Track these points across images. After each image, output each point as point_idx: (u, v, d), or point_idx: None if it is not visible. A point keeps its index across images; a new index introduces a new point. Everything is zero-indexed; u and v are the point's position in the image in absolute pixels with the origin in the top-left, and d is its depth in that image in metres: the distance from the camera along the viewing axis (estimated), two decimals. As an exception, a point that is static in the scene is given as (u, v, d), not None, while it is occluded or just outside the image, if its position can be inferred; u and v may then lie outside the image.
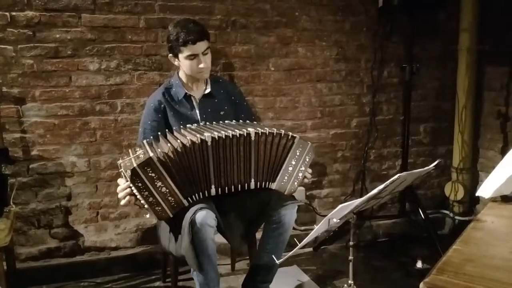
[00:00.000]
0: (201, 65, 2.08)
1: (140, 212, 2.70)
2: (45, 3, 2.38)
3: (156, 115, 2.14)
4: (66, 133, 2.53)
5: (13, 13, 2.35)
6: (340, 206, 1.56)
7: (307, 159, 2.00)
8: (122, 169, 1.81)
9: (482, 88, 3.14)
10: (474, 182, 3.19)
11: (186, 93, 2.18)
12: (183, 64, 2.10)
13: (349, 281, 1.89)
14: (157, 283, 2.58)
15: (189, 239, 1.84)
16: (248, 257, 2.34)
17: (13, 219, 2.16)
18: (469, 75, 3.02)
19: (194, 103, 2.20)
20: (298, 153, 1.98)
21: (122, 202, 1.83)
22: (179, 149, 1.82)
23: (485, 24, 3.00)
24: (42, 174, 2.52)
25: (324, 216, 1.62)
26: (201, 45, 2.05)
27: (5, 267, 2.19)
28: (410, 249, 2.98)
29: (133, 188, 1.77)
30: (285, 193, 2.02)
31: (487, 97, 3.13)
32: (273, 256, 2.01)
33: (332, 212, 1.57)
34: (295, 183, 2.01)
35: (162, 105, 2.14)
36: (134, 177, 1.74)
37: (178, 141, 1.85)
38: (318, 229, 1.59)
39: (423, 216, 2.88)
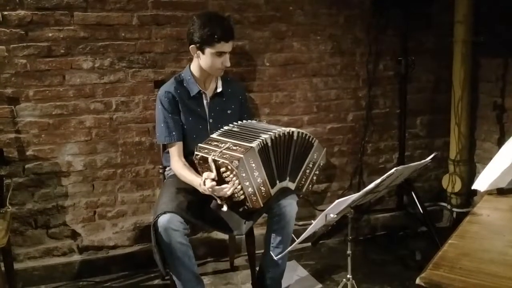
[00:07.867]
0: (227, 64, 2.11)
1: (137, 210, 2.70)
2: (37, 2, 2.36)
3: (174, 108, 2.16)
4: (61, 132, 2.51)
5: (5, 13, 2.32)
6: (337, 201, 1.56)
7: (321, 164, 2.08)
8: (220, 161, 1.82)
9: (477, 80, 3.13)
10: (471, 174, 3.19)
11: (200, 90, 2.19)
12: (205, 59, 2.09)
13: (348, 275, 1.90)
14: (156, 281, 2.58)
15: (153, 242, 1.89)
16: (246, 253, 2.34)
17: (10, 220, 2.15)
18: (464, 67, 3.01)
19: (205, 101, 2.22)
20: (315, 156, 2.05)
21: (221, 193, 1.84)
22: (269, 142, 1.90)
23: (480, 15, 2.99)
24: (38, 174, 2.51)
25: (322, 210, 1.62)
26: (231, 45, 2.09)
27: (3, 268, 2.18)
28: (408, 242, 2.99)
29: (237, 178, 1.80)
30: (301, 194, 2.09)
31: (483, 89, 3.13)
32: (272, 253, 2.02)
33: (329, 207, 1.57)
34: (310, 185, 2.09)
35: (176, 99, 2.16)
36: (241, 167, 1.80)
37: (269, 133, 1.92)
38: (315, 224, 1.59)
39: (421, 209, 2.89)
